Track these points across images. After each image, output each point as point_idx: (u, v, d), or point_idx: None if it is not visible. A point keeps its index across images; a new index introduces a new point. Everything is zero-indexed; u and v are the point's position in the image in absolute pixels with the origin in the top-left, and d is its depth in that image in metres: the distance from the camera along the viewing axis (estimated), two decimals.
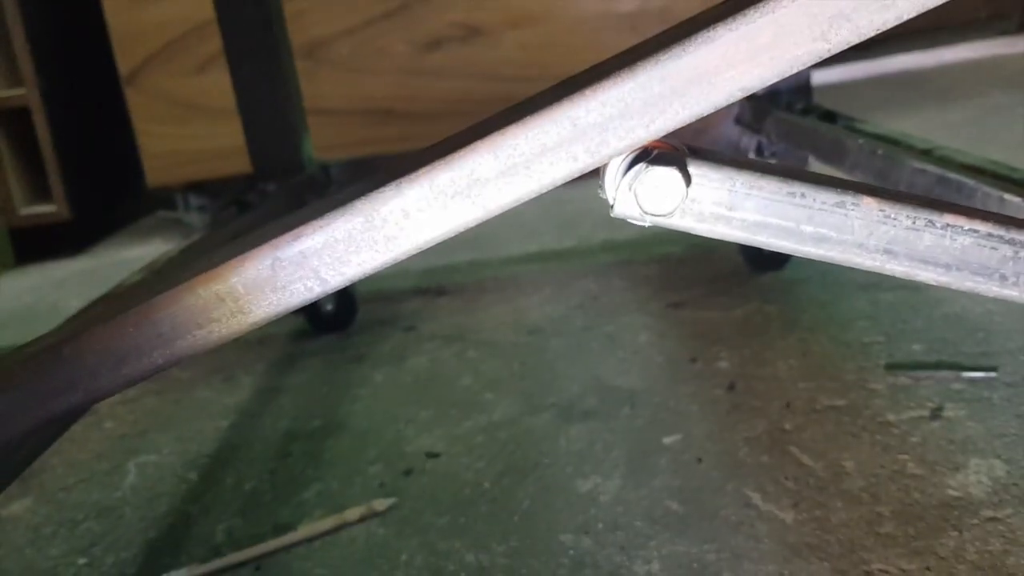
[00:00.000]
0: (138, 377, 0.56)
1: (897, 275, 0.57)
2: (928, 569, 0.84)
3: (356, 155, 2.55)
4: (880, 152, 1.07)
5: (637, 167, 0.55)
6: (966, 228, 0.56)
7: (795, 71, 0.54)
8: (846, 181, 0.57)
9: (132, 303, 0.56)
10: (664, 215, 0.56)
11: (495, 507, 1.06)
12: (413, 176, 0.53)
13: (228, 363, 1.65)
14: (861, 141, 1.13)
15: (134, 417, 1.49)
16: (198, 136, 2.62)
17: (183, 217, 2.82)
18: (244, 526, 1.10)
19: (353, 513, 1.07)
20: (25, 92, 2.61)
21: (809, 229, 0.56)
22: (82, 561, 1.09)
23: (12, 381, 0.57)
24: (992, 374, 1.16)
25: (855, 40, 0.53)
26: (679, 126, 0.54)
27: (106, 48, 2.62)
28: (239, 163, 2.61)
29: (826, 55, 0.53)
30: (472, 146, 0.53)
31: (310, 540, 1.05)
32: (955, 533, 0.88)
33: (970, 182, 0.90)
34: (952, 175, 0.93)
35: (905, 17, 0.52)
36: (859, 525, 0.91)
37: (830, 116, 1.40)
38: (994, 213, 0.56)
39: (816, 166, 1.41)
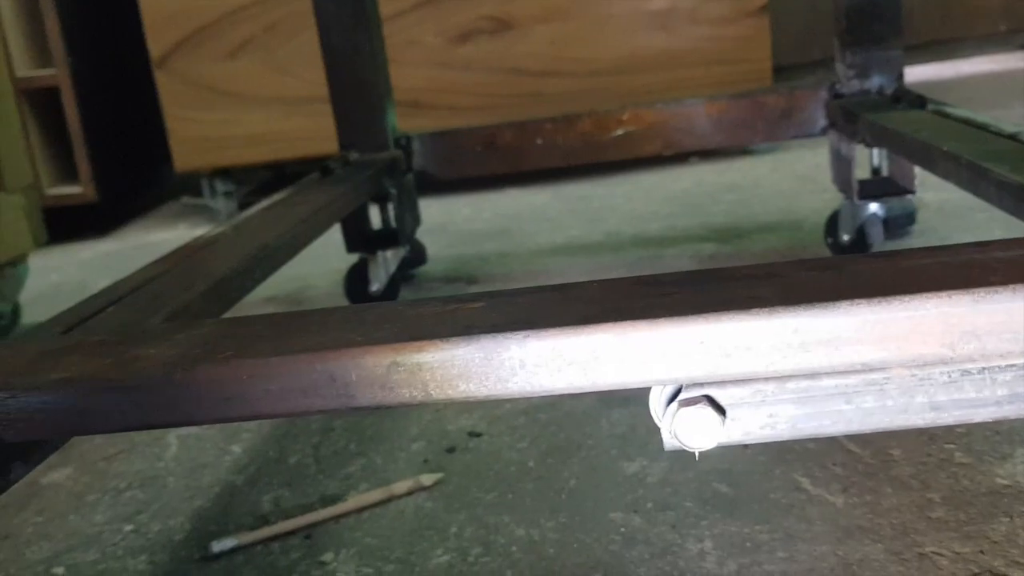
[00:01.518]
0: (230, 419, 0.61)
1: (950, 424, 0.60)
2: (982, 552, 0.84)
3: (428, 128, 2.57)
4: (965, 161, 1.07)
5: (669, 409, 0.59)
6: (1004, 366, 0.57)
7: None
8: (876, 358, 0.58)
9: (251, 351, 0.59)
10: (710, 443, 0.59)
11: (541, 485, 1.07)
12: (541, 334, 0.57)
13: None
14: (946, 148, 1.14)
15: None
16: (227, 122, 2.63)
17: (209, 203, 2.83)
18: (291, 497, 1.11)
19: (401, 486, 1.08)
20: (55, 72, 2.62)
21: (850, 410, 0.59)
22: (128, 528, 1.10)
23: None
24: None
25: None
26: (796, 373, 0.57)
27: (138, 31, 2.64)
28: (267, 150, 2.64)
29: None
30: (602, 326, 0.56)
31: (359, 511, 1.06)
32: (1006, 519, 0.89)
33: None
34: None
35: None
36: (910, 510, 0.92)
37: (920, 101, 1.41)
38: None
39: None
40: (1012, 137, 1.07)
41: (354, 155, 1.58)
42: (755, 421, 0.59)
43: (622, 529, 0.96)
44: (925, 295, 0.54)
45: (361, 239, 1.64)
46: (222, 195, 2.79)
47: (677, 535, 0.94)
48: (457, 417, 1.27)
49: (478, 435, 1.21)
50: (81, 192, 2.70)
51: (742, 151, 2.81)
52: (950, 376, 0.57)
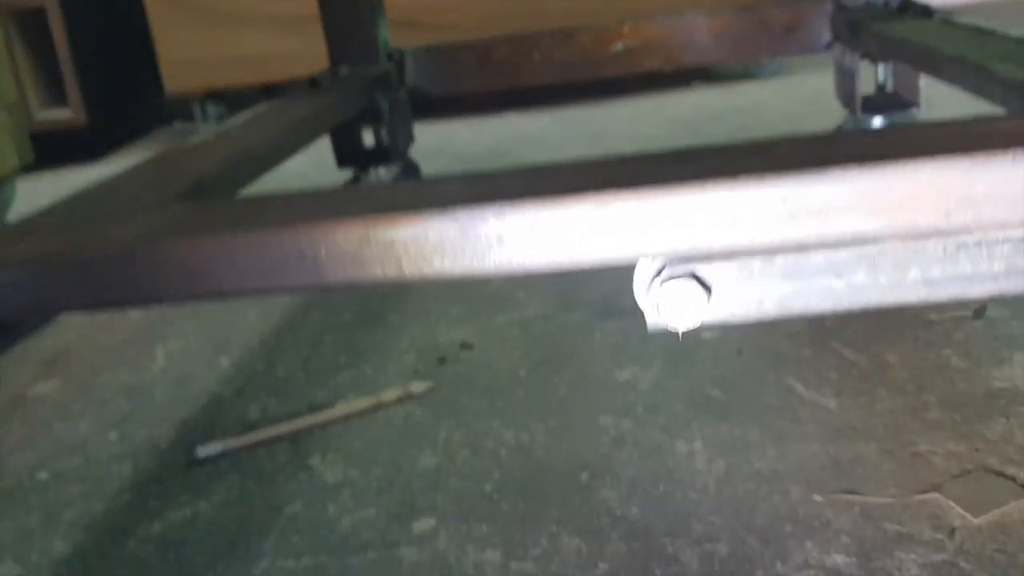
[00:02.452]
0: (198, 297, 0.59)
1: (945, 301, 0.56)
2: (977, 450, 0.83)
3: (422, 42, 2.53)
4: (972, 62, 1.04)
5: (654, 285, 0.56)
6: (1000, 238, 0.54)
7: None
8: (866, 231, 0.55)
9: (219, 227, 0.57)
10: (695, 321, 0.56)
11: (532, 393, 1.05)
12: (519, 205, 0.54)
13: None
14: (951, 50, 1.10)
15: (159, 308, 1.48)
16: (217, 43, 2.59)
17: (200, 127, 2.79)
18: (279, 406, 1.10)
19: (390, 395, 1.07)
20: None
21: (842, 286, 0.56)
22: (113, 435, 1.09)
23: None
24: None
25: None
26: (785, 246, 0.54)
27: None
28: (259, 72, 2.59)
29: None
30: (582, 195, 0.54)
31: (347, 418, 1.04)
32: (1002, 419, 0.87)
33: None
34: None
35: None
36: (904, 412, 0.91)
37: (927, 11, 1.38)
38: None
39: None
40: (1020, 41, 1.04)
41: (344, 69, 1.55)
42: (742, 299, 0.57)
43: (612, 432, 0.94)
44: (920, 160, 0.51)
45: (352, 154, 1.61)
46: (214, 119, 2.75)
47: (667, 437, 0.92)
48: (449, 329, 1.25)
49: (469, 347, 1.19)
50: (70, 116, 2.66)
51: (745, 75, 2.76)
52: (945, 250, 0.55)
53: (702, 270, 0.57)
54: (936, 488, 0.78)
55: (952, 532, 0.73)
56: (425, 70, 1.71)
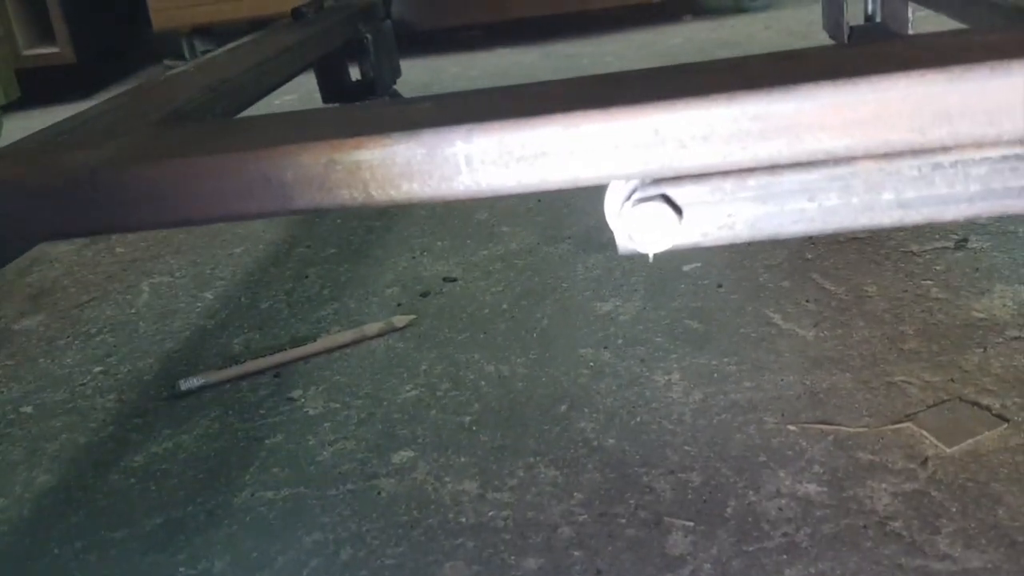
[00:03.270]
0: (166, 224, 0.58)
1: (919, 223, 0.55)
2: (952, 381, 0.83)
3: None
4: None
5: (624, 207, 0.55)
6: (978, 158, 0.53)
7: None
8: (838, 150, 0.54)
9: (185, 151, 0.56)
10: (666, 244, 0.55)
11: (514, 325, 1.05)
12: (487, 127, 0.52)
13: None
14: None
15: (146, 244, 1.48)
16: None
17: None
18: (262, 339, 1.10)
19: (372, 328, 1.07)
20: None
21: (813, 208, 0.55)
22: (97, 369, 1.09)
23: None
24: None
25: None
26: (755, 166, 0.53)
27: None
28: (248, 5, 2.56)
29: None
30: (551, 117, 0.52)
31: (329, 351, 1.04)
32: (979, 350, 0.88)
33: None
34: None
35: None
36: (881, 342, 0.91)
37: None
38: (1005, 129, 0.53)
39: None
40: None
41: (328, 1, 1.53)
42: (713, 220, 0.56)
43: (591, 364, 0.95)
44: (894, 75, 0.50)
45: (337, 89, 1.60)
46: (202, 55, 2.72)
47: (645, 368, 0.92)
48: (433, 263, 1.25)
49: (453, 280, 1.19)
50: (58, 52, 2.64)
51: (736, 8, 2.73)
52: (920, 170, 0.54)
53: (673, 192, 0.56)
54: (910, 418, 0.79)
55: (925, 462, 0.73)
56: (411, 4, 1.69)
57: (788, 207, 0.56)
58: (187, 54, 2.76)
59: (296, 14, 1.38)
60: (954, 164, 0.54)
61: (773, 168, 0.55)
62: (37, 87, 2.72)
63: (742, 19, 2.64)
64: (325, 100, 1.62)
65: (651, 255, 0.57)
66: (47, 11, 2.61)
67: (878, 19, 1.58)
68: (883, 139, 0.51)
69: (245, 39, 1.30)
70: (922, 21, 1.35)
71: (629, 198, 0.56)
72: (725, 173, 0.55)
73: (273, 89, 1.15)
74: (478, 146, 0.53)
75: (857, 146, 0.51)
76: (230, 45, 1.26)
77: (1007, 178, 0.53)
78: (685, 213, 0.56)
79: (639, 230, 0.55)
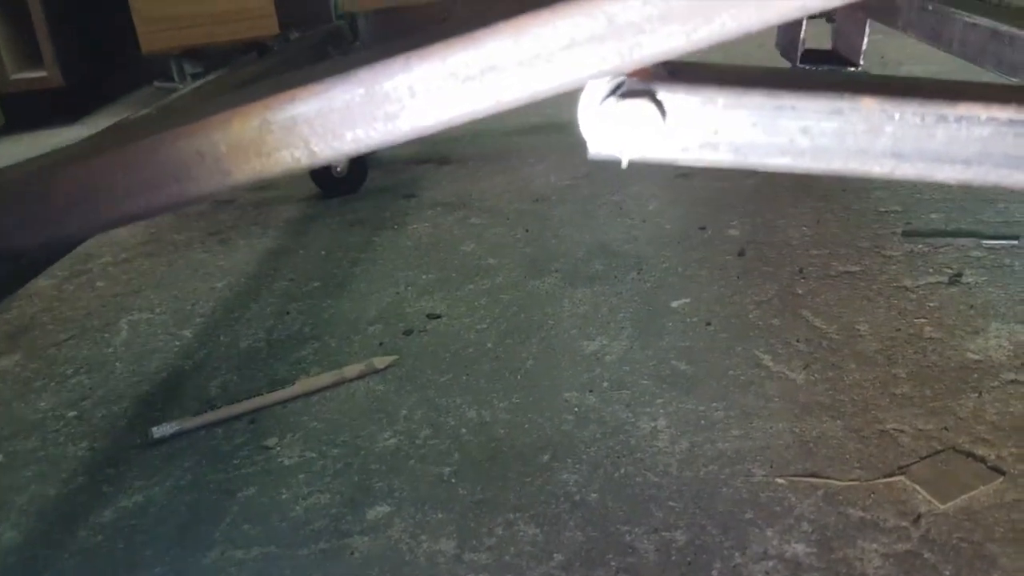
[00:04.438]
0: (110, 223, 0.52)
1: (910, 178, 0.51)
2: (946, 429, 0.81)
3: (375, 6, 2.47)
4: (931, 8, 1.01)
5: (606, 103, 0.49)
6: (984, 118, 0.49)
7: None
8: (843, 80, 0.51)
9: (114, 145, 0.52)
10: (642, 151, 0.50)
11: (498, 365, 1.02)
12: (425, 51, 0.48)
13: (223, 226, 1.61)
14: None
15: (127, 277, 1.45)
16: (192, 0, 2.53)
17: (180, 86, 2.74)
18: (239, 382, 1.07)
19: (352, 370, 1.04)
20: None
21: (805, 142, 0.51)
22: (71, 414, 1.07)
23: None
24: (1014, 242, 1.12)
25: None
26: (724, 39, 0.49)
27: None
28: (236, 28, 2.53)
29: None
30: (494, 27, 0.47)
31: (307, 395, 1.02)
32: (974, 395, 0.85)
33: (1023, 33, 0.84)
34: (1004, 28, 0.87)
35: None
36: (873, 386, 0.88)
37: None
38: (1018, 92, 0.50)
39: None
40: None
41: (294, 33, 1.50)
42: (697, 134, 0.50)
43: (575, 409, 0.92)
44: None
45: None
46: (191, 77, 2.70)
47: (631, 414, 0.90)
48: (418, 298, 1.22)
49: (437, 317, 1.16)
50: (46, 76, 2.61)
51: None
52: (923, 119, 0.50)
53: (662, 94, 0.51)
54: (903, 471, 0.76)
55: (917, 519, 0.71)
56: (379, 34, 1.66)
57: (779, 137, 0.51)
58: (176, 76, 2.74)
59: (261, 50, 1.36)
60: (959, 119, 0.50)
61: (772, 88, 0.50)
62: (25, 111, 2.71)
63: None
64: None
65: (624, 161, 0.52)
66: (34, 35, 2.59)
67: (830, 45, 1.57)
68: None
69: (210, 78, 1.28)
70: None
71: (613, 93, 0.51)
72: (720, 84, 0.50)
73: None
74: (420, 73, 0.48)
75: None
76: (195, 85, 1.23)
77: (1009, 144, 0.50)
78: (669, 119, 0.51)
79: (619, 126, 0.50)
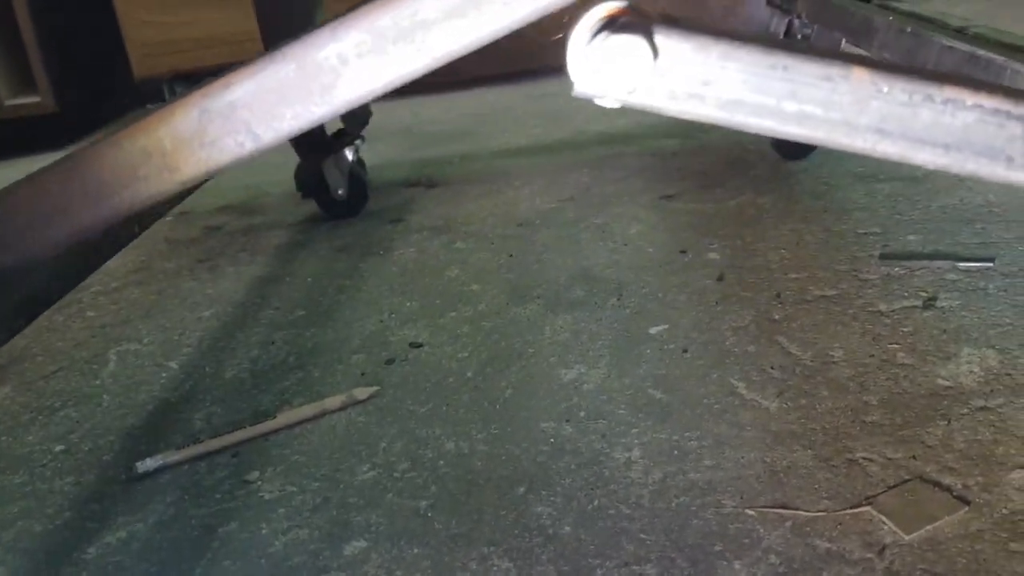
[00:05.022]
0: (66, 239, 0.53)
1: (890, 157, 0.52)
2: (914, 458, 0.82)
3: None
4: (909, 30, 1.03)
5: (598, 37, 0.48)
6: (969, 103, 0.50)
7: None
8: (836, 52, 0.52)
9: (64, 160, 0.52)
10: (629, 92, 0.51)
11: (477, 396, 1.04)
12: (351, 18, 0.47)
13: (212, 253, 1.62)
14: (891, 19, 1.09)
15: (116, 307, 1.46)
16: (185, 24, 2.55)
17: None
18: (223, 413, 1.08)
19: (334, 401, 1.06)
20: None
21: (792, 107, 0.51)
22: (59, 448, 1.08)
23: None
24: (988, 264, 1.13)
25: None
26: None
27: None
28: (228, 52, 2.56)
29: None
30: None
31: (290, 427, 1.03)
32: (943, 423, 0.86)
33: (999, 59, 0.85)
34: (982, 52, 0.88)
35: None
36: (845, 414, 0.90)
37: None
38: (1003, 86, 0.51)
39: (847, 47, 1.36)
40: (959, 31, 1.02)
41: None
42: (686, 83, 0.50)
43: (552, 440, 0.93)
44: None
45: (307, 141, 1.59)
46: None
47: (606, 444, 0.91)
48: (401, 326, 1.24)
49: (419, 345, 1.17)
50: (39, 102, 2.63)
51: None
52: (910, 96, 0.50)
53: (659, 37, 0.49)
54: (870, 501, 0.77)
55: (882, 551, 0.72)
56: None
57: (768, 97, 0.50)
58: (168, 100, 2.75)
59: None
60: (946, 101, 0.50)
61: (766, 48, 0.50)
62: (18, 137, 2.72)
63: None
64: (298, 153, 1.62)
65: (610, 101, 0.52)
66: (28, 61, 2.61)
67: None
68: None
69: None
70: None
71: (607, 28, 0.51)
72: (716, 36, 0.49)
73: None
74: (349, 40, 0.48)
75: None
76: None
77: (990, 133, 0.50)
78: (660, 62, 0.51)
79: (608, 63, 0.49)
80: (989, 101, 0.50)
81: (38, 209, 0.52)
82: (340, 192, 1.68)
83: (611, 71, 0.49)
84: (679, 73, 0.50)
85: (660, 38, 0.49)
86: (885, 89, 0.50)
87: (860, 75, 0.50)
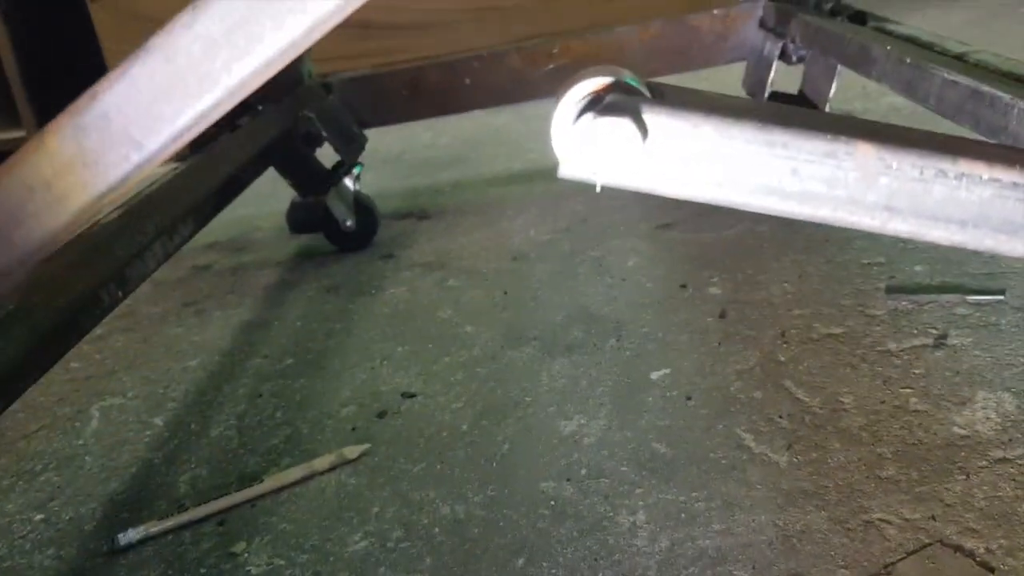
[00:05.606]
0: None
1: (901, 235, 0.48)
2: (933, 518, 0.77)
3: (339, 72, 2.46)
4: (909, 61, 0.99)
5: (584, 118, 0.46)
6: (985, 177, 0.46)
7: None
8: (840, 121, 0.48)
9: None
10: (618, 174, 0.47)
11: (473, 452, 0.99)
12: None
13: (199, 295, 1.58)
14: (889, 48, 1.05)
15: (101, 357, 1.42)
16: None
17: None
18: (209, 476, 1.04)
19: (323, 462, 1.01)
20: None
21: (794, 184, 0.47)
22: (38, 517, 1.03)
23: None
24: (1000, 297, 1.09)
25: None
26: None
27: None
28: None
29: None
30: None
31: (277, 491, 0.99)
32: (962, 477, 0.82)
33: (1005, 96, 0.81)
34: (986, 88, 0.84)
35: None
36: (858, 468, 0.85)
37: (860, 17, 1.31)
38: (1021, 157, 0.47)
39: (843, 73, 1.32)
40: (959, 57, 0.98)
41: (259, 107, 1.47)
42: (678, 164, 0.48)
43: (552, 503, 0.89)
44: None
45: (304, 177, 1.56)
46: None
47: (609, 507, 0.87)
48: (392, 374, 1.19)
49: (412, 396, 1.13)
50: (25, 136, 2.59)
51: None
52: (922, 172, 0.46)
53: (647, 114, 0.47)
54: (889, 569, 0.73)
55: None
56: (354, 101, 1.65)
57: (767, 175, 0.47)
58: None
59: (233, 127, 1.34)
60: (959, 176, 0.47)
61: (764, 122, 0.47)
62: None
63: (689, 76, 2.59)
64: (299, 192, 1.59)
65: (598, 183, 0.48)
66: (12, 96, 2.57)
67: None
68: None
69: (175, 168, 1.25)
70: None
71: (591, 109, 0.47)
72: (708, 112, 0.47)
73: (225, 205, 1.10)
74: (212, 18, 0.45)
75: None
76: (162, 178, 1.21)
77: (1009, 209, 0.47)
78: (650, 143, 0.47)
79: (594, 146, 0.46)
80: (1007, 175, 0.46)
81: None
82: (348, 224, 1.64)
83: (597, 155, 0.45)
84: (670, 155, 0.46)
85: (649, 116, 0.45)
86: (894, 165, 0.46)
87: (866, 151, 0.46)
